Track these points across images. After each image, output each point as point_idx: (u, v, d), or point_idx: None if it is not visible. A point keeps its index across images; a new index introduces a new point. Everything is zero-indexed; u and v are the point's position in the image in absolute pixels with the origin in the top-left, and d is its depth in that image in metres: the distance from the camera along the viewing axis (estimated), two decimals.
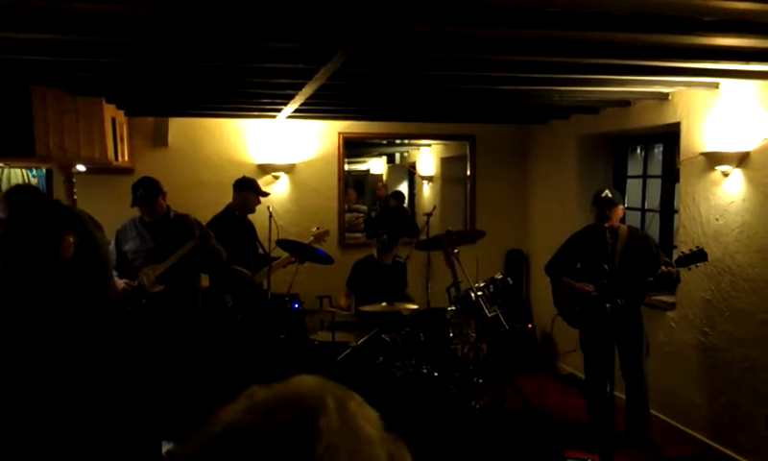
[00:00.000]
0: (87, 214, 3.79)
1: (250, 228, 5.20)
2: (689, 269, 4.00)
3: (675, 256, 4.73)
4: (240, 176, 5.20)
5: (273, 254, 4.88)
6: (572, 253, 4.48)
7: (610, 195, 4.26)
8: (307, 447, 0.65)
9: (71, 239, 2.62)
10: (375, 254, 5.27)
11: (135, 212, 4.36)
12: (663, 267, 4.02)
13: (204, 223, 4.66)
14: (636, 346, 4.32)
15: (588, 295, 4.26)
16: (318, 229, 5.26)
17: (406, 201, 9.74)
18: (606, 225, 4.13)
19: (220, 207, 5.22)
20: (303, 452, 0.65)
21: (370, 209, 9.55)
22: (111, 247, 4.19)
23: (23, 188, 3.77)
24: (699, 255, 3.90)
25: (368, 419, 0.74)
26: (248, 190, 5.07)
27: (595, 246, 4.22)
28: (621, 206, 4.36)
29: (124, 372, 3.29)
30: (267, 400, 0.70)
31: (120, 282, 4.05)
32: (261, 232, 5.24)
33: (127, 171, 5.74)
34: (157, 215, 4.25)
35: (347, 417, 0.71)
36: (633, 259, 4.20)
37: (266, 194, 5.20)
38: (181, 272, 4.19)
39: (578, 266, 4.39)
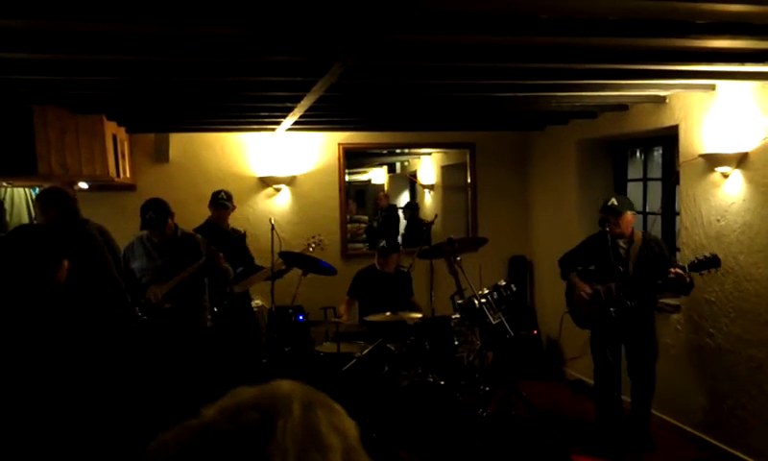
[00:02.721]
0: (101, 229, 3.79)
1: (233, 239, 5.22)
2: (701, 275, 4.01)
3: (679, 258, 4.76)
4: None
5: (275, 266, 4.91)
6: (583, 253, 4.51)
7: (615, 203, 4.29)
8: (259, 445, 0.69)
9: (65, 263, 2.62)
10: (377, 263, 5.29)
11: (138, 228, 4.38)
12: (673, 269, 4.01)
13: None
14: (647, 349, 4.33)
15: (587, 297, 4.31)
16: (313, 238, 5.27)
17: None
18: (607, 229, 4.16)
19: None
20: (255, 451, 0.69)
21: (371, 219, 9.57)
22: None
23: (59, 194, 3.73)
24: (712, 262, 3.93)
25: (337, 428, 0.76)
26: (212, 205, 5.25)
27: (607, 250, 4.26)
28: (630, 213, 4.36)
29: (127, 389, 3.28)
30: (241, 402, 0.75)
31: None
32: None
33: (129, 187, 5.78)
34: (166, 236, 4.28)
35: (310, 423, 0.73)
36: (646, 264, 4.22)
37: (220, 205, 5.23)
38: (189, 290, 4.21)
39: (592, 268, 4.44)
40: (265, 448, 0.69)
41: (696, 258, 4.04)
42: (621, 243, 4.32)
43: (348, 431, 0.77)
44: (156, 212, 4.19)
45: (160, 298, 4.11)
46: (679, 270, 4.00)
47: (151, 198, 4.35)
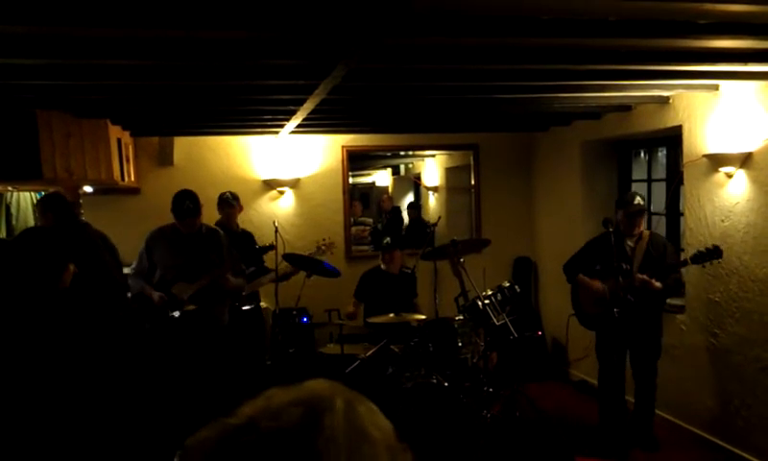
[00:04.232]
0: (100, 234, 3.85)
1: (242, 240, 5.24)
2: (704, 266, 4.03)
3: (683, 258, 4.75)
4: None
5: (279, 268, 4.93)
6: (588, 256, 4.50)
7: (642, 202, 4.31)
8: (308, 440, 0.69)
9: (71, 268, 2.65)
10: (382, 264, 5.29)
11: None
12: (639, 276, 4.10)
13: None
14: (651, 350, 4.33)
15: (598, 294, 4.30)
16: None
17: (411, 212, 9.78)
18: (610, 229, 4.16)
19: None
20: (305, 446, 0.69)
21: (376, 221, 9.57)
22: (142, 252, 4.24)
23: (57, 198, 3.84)
24: (713, 253, 3.94)
25: (376, 424, 0.76)
26: (219, 206, 5.24)
27: (617, 251, 4.27)
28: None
29: (141, 387, 3.30)
30: (280, 401, 0.74)
31: (155, 295, 4.12)
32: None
33: (133, 191, 5.80)
34: (196, 228, 4.29)
35: (353, 418, 0.74)
36: (651, 263, 4.21)
37: (226, 204, 5.24)
38: (211, 288, 4.25)
39: (597, 268, 4.44)
40: (315, 442, 0.69)
41: (698, 250, 4.05)
42: (629, 242, 4.32)
43: (386, 428, 0.78)
44: (194, 202, 4.21)
45: (185, 299, 4.14)
46: (675, 274, 4.07)
47: (181, 189, 4.30)
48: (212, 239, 4.37)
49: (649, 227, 5.49)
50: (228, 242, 4.48)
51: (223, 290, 4.34)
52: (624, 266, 4.21)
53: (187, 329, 4.16)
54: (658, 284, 4.09)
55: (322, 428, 0.70)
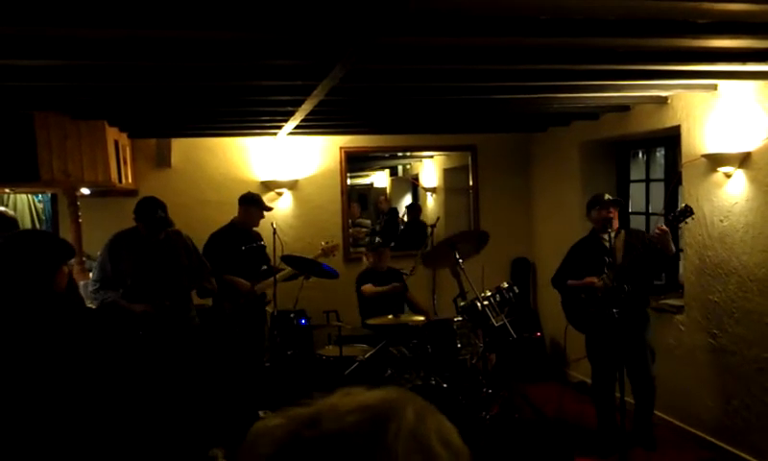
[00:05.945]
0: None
1: (255, 241, 5.23)
2: (680, 227, 4.08)
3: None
4: (242, 193, 5.27)
5: (285, 273, 4.94)
6: (575, 262, 4.49)
7: (611, 197, 4.34)
8: (368, 449, 0.68)
9: (66, 270, 2.62)
10: (372, 263, 5.32)
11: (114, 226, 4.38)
12: (657, 228, 4.04)
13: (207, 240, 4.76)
14: (643, 348, 4.30)
15: (593, 287, 4.28)
16: (327, 243, 5.27)
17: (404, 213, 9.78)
18: (610, 228, 4.17)
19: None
20: (363, 454, 0.68)
21: (374, 223, 9.56)
22: (104, 261, 4.14)
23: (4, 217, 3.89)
24: (686, 212, 3.95)
25: (444, 440, 0.74)
26: (250, 205, 5.14)
27: (597, 250, 4.30)
28: None
29: (122, 393, 3.27)
30: (350, 403, 0.73)
31: (139, 307, 4.06)
32: (267, 249, 5.27)
33: (131, 193, 5.78)
34: (163, 234, 4.26)
35: (420, 430, 0.72)
36: (634, 252, 4.18)
37: (269, 208, 5.23)
38: (179, 289, 4.26)
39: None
40: (375, 452, 0.67)
41: (672, 213, 4.06)
42: (605, 237, 4.28)
43: (459, 450, 0.75)
44: (165, 211, 4.15)
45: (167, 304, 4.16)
46: (663, 227, 4.02)
47: (147, 197, 4.25)
48: (178, 242, 4.31)
49: (647, 228, 5.50)
50: (194, 246, 4.46)
51: (204, 292, 4.36)
52: (607, 259, 4.21)
53: (156, 330, 4.10)
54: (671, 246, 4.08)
55: (384, 437, 0.68)
